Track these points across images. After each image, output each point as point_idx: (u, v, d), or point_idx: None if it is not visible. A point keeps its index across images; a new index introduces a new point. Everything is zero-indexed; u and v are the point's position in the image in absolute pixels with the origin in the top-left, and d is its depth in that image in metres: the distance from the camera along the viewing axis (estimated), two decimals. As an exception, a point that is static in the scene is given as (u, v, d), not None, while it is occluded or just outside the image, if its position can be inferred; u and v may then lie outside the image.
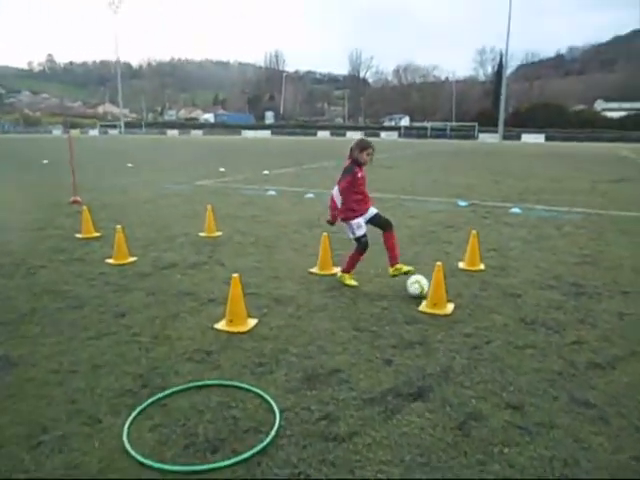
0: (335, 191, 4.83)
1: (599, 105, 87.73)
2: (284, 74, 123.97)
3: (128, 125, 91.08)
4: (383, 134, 69.27)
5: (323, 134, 74.39)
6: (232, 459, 2.44)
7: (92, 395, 3.03)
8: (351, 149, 4.90)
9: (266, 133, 76.72)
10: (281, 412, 2.83)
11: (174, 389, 3.08)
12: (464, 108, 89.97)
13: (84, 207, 7.76)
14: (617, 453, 2.51)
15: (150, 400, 2.95)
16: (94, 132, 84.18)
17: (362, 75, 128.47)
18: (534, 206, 10.20)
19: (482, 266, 5.76)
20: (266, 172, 16.95)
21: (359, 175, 4.84)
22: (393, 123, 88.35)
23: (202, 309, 4.46)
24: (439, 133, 71.07)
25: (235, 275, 4.04)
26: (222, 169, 17.79)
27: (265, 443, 2.55)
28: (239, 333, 3.93)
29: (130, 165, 19.63)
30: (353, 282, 5.10)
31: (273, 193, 11.76)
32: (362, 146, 4.85)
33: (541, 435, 2.65)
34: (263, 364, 3.43)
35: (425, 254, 6.38)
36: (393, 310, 4.46)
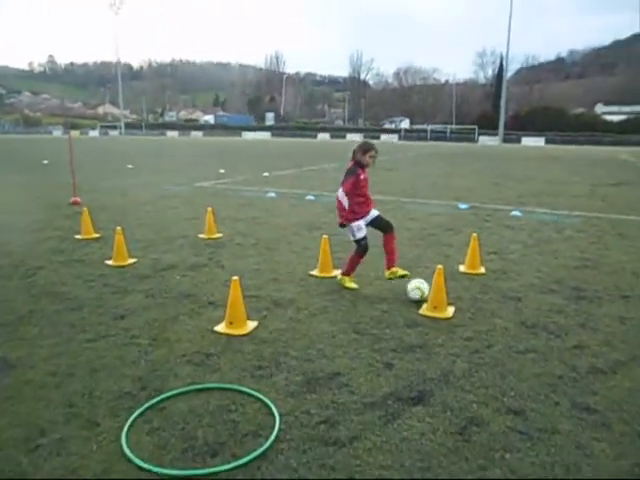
0: (340, 193, 4.80)
1: (599, 109, 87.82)
2: (284, 76, 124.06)
3: (128, 126, 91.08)
4: (383, 136, 69.26)
5: (323, 136, 74.39)
6: (231, 463, 2.42)
7: (90, 398, 3.01)
8: (354, 151, 4.90)
9: (266, 135, 76.68)
10: (281, 416, 2.81)
11: (171, 393, 3.05)
12: (464, 111, 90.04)
13: (84, 208, 7.75)
14: (619, 460, 2.50)
15: (149, 403, 2.93)
16: (94, 133, 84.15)
17: (362, 77, 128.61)
18: (534, 209, 10.19)
19: (483, 269, 5.74)
20: (266, 174, 16.94)
21: (362, 177, 4.83)
22: (393, 125, 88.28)
23: (202, 311, 4.45)
24: (439, 136, 71.11)
25: (235, 278, 4.02)
26: (222, 170, 17.78)
27: (265, 447, 2.53)
28: (239, 336, 3.91)
29: (130, 166, 19.61)
30: (353, 285, 5.08)
31: (273, 195, 11.74)
32: (365, 148, 4.85)
33: (542, 441, 2.63)
34: (263, 367, 3.41)
35: (425, 257, 6.36)
36: (393, 313, 4.44)
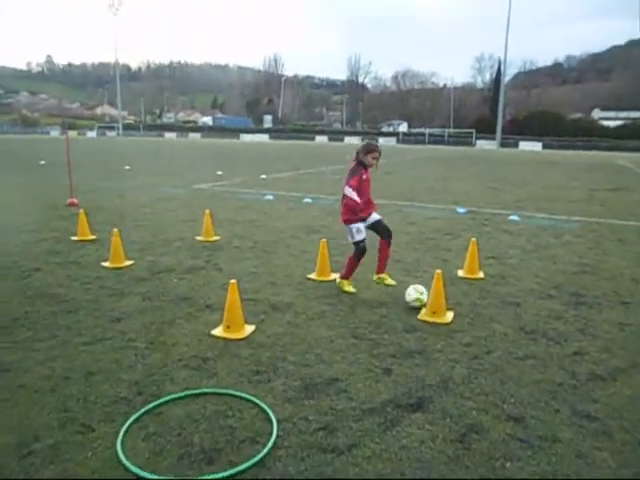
0: (348, 190, 4.72)
1: (596, 114, 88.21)
2: (283, 78, 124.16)
3: (126, 127, 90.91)
4: (381, 140, 69.15)
5: (321, 139, 74.41)
6: (228, 471, 2.38)
7: (85, 402, 2.97)
8: (357, 151, 4.87)
9: (264, 137, 76.65)
10: (278, 422, 2.77)
11: (168, 397, 3.02)
12: (462, 115, 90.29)
13: (81, 209, 7.70)
14: (621, 469, 2.47)
15: (145, 408, 2.89)
16: (92, 134, 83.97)
17: (361, 80, 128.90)
18: (533, 214, 10.19)
19: (481, 274, 5.72)
20: (264, 176, 16.91)
21: (364, 177, 4.80)
22: (391, 129, 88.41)
23: (199, 315, 4.41)
24: (437, 139, 71.27)
25: (233, 281, 3.98)
26: (220, 173, 17.74)
27: (262, 454, 2.49)
28: (236, 340, 3.87)
29: (127, 167, 19.55)
30: (351, 289, 5.05)
31: (271, 198, 11.71)
32: (368, 149, 4.82)
33: (543, 449, 2.60)
34: (260, 372, 3.38)
35: (424, 261, 6.34)
36: (392, 318, 4.41)
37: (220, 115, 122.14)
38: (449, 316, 4.41)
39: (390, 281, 5.11)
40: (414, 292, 4.63)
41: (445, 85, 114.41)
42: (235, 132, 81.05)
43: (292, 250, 6.84)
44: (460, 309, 4.63)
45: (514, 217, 9.57)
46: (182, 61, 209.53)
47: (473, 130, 70.01)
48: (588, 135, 64.05)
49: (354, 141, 65.05)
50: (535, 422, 2.85)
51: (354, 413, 2.91)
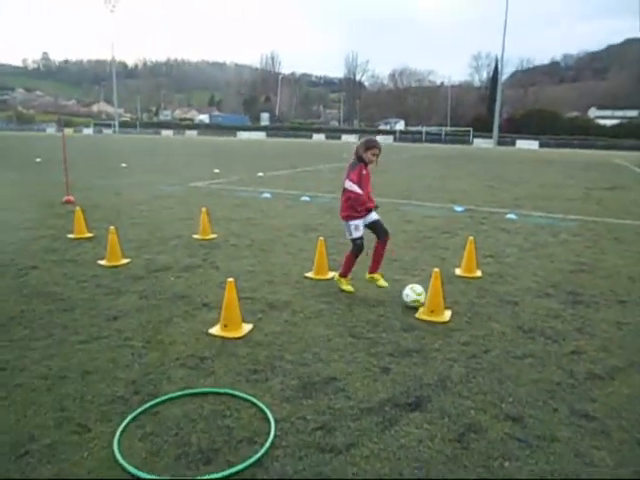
0: (348, 183, 4.67)
1: (592, 113, 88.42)
2: (280, 76, 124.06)
3: (123, 125, 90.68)
4: (378, 138, 68.70)
5: (318, 137, 74.37)
6: (226, 471, 2.36)
7: (82, 402, 2.95)
8: (357, 147, 4.82)
9: (261, 135, 76.57)
10: (276, 422, 2.76)
11: (166, 397, 3.00)
12: (459, 113, 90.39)
13: (77, 207, 7.66)
14: (619, 468, 2.47)
15: (142, 408, 2.87)
16: (88, 131, 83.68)
17: (358, 78, 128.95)
18: (530, 212, 10.20)
19: (479, 273, 5.72)
20: (261, 174, 16.88)
21: (364, 172, 4.76)
22: (388, 127, 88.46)
23: (196, 313, 4.39)
24: (434, 137, 71.36)
25: (230, 279, 3.97)
26: (217, 170, 17.69)
27: (260, 454, 2.48)
28: (233, 339, 3.86)
29: (124, 165, 19.49)
30: (349, 288, 5.04)
31: (268, 196, 11.68)
32: (368, 145, 4.76)
33: (542, 449, 2.60)
34: (258, 371, 3.36)
35: (422, 260, 6.33)
36: (390, 317, 4.40)
37: (217, 113, 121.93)
38: (447, 315, 4.40)
39: (382, 282, 5.03)
40: (412, 293, 4.59)
41: (442, 83, 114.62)
42: (232, 130, 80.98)
43: (289, 248, 6.82)
44: (458, 308, 4.63)
45: (511, 215, 9.58)
46: (179, 58, 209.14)
47: (470, 128, 70.12)
48: (585, 134, 64.29)
49: (351, 139, 64.95)
50: (533, 421, 2.84)
51: (352, 412, 2.90)
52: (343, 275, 5.09)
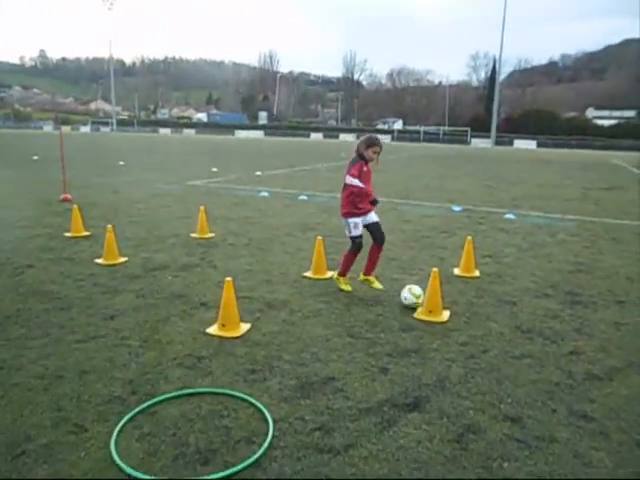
0: (349, 178, 4.59)
1: (590, 113, 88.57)
2: (278, 75, 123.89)
3: (120, 123, 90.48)
4: (376, 137, 69.21)
5: (316, 136, 74.37)
6: (224, 472, 2.35)
7: (79, 402, 2.93)
8: (358, 144, 4.76)
9: (259, 133, 76.53)
10: (274, 422, 2.74)
11: (163, 397, 2.98)
12: (457, 113, 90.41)
13: (74, 205, 7.63)
14: (618, 469, 2.46)
15: (139, 408, 2.85)
16: (85, 129, 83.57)
17: (356, 78, 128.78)
18: (528, 212, 10.20)
19: (477, 273, 5.71)
20: (259, 173, 16.85)
21: (364, 169, 4.69)
22: (386, 126, 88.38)
23: (193, 313, 4.37)
24: (432, 137, 71.35)
25: (228, 279, 3.95)
26: (214, 169, 17.66)
27: (258, 455, 2.47)
28: (231, 338, 3.84)
29: (122, 163, 19.43)
30: (348, 287, 5.02)
31: (266, 194, 11.66)
32: (369, 143, 4.70)
33: (540, 449, 2.59)
34: (256, 371, 3.35)
35: (420, 259, 6.32)
36: (388, 317, 4.39)
37: (215, 111, 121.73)
38: (445, 315, 4.39)
39: (377, 285, 4.98)
40: (411, 297, 4.54)
41: (440, 83, 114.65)
42: (230, 128, 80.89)
43: (287, 248, 6.81)
44: (456, 308, 4.62)
45: (509, 215, 9.58)
46: (177, 57, 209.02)
47: (468, 128, 70.14)
48: (582, 134, 64.39)
49: (349, 138, 65.04)
50: (532, 422, 2.84)
51: (350, 413, 2.88)
52: (342, 274, 5.07)
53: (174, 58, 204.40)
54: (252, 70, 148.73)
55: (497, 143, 62.32)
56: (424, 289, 4.53)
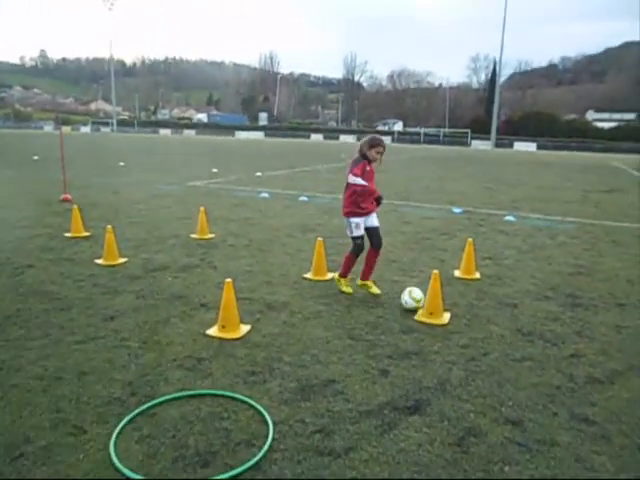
0: (352, 179, 4.56)
1: (590, 115, 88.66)
2: (279, 76, 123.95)
3: (121, 123, 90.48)
4: (376, 138, 69.16)
5: (316, 137, 74.37)
6: (223, 474, 2.34)
7: (78, 403, 2.92)
8: (361, 144, 4.72)
9: (259, 134, 76.49)
10: (274, 424, 2.73)
11: (162, 398, 2.97)
12: (457, 115, 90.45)
13: (74, 205, 7.62)
14: (620, 473, 2.45)
15: (138, 409, 2.84)
16: (86, 129, 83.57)
17: (356, 79, 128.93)
18: (528, 214, 10.19)
19: (478, 275, 5.70)
20: (259, 174, 16.84)
21: (367, 168, 4.65)
22: (386, 128, 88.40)
23: (193, 314, 4.36)
24: (432, 139, 71.39)
25: (228, 280, 3.94)
26: (215, 170, 17.65)
27: (258, 457, 2.45)
28: (231, 340, 3.83)
29: (122, 164, 19.43)
30: (349, 289, 5.01)
31: (266, 195, 11.65)
32: (372, 143, 4.66)
33: (542, 453, 2.58)
34: (256, 373, 3.34)
35: (420, 261, 6.32)
36: (388, 319, 4.38)
37: (215, 112, 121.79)
38: (446, 317, 4.38)
39: (375, 289, 4.97)
40: (411, 301, 4.51)
41: (441, 85, 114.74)
42: (230, 129, 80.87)
43: (288, 249, 6.80)
44: (457, 310, 4.61)
45: (510, 217, 9.57)
46: (177, 57, 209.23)
47: (468, 130, 70.19)
48: (582, 136, 64.40)
49: (349, 139, 65.07)
50: (533, 425, 2.83)
51: (351, 415, 2.87)
52: (343, 276, 5.06)
53: (175, 59, 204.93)
54: (252, 71, 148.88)
55: (497, 145, 62.32)
56: (424, 291, 4.52)
